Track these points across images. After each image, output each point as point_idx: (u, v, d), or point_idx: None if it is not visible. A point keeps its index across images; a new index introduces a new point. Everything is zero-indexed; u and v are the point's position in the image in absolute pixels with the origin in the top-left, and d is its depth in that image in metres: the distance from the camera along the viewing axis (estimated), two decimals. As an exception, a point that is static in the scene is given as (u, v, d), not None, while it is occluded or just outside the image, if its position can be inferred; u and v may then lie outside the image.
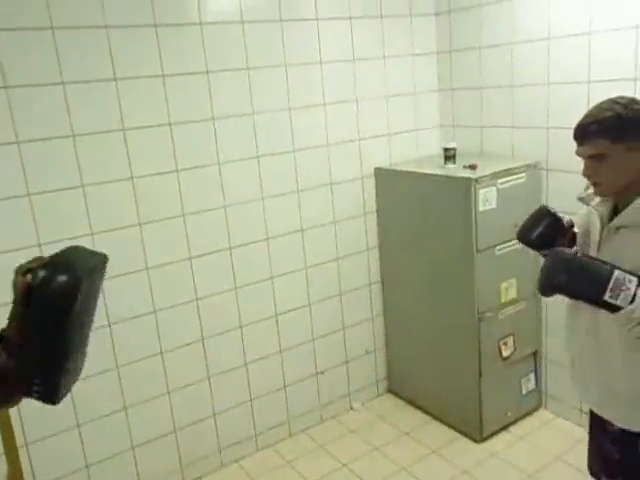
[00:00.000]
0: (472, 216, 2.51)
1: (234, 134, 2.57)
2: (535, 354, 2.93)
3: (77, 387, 2.29)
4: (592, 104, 2.43)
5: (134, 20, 2.25)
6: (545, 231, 1.63)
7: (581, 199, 1.62)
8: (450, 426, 2.92)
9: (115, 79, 2.25)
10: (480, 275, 2.60)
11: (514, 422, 2.89)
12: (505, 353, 2.77)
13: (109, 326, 2.39)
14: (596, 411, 1.67)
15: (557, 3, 2.51)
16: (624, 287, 1.33)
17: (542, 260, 1.52)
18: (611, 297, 1.34)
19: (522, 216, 2.80)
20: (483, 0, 2.82)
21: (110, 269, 2.38)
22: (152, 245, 2.43)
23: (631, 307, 1.33)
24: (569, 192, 2.59)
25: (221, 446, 2.78)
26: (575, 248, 1.60)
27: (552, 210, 1.66)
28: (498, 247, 2.63)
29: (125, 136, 2.31)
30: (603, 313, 1.41)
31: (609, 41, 2.35)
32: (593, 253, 1.53)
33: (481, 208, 2.52)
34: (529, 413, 2.95)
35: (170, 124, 2.40)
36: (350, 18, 2.80)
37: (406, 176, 2.87)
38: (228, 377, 2.75)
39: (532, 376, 2.93)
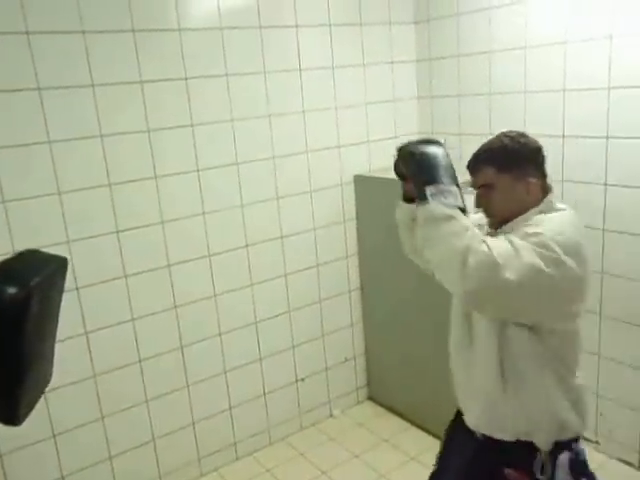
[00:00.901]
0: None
1: (213, 141, 2.56)
2: (513, 360, 2.95)
3: (51, 397, 2.28)
4: (567, 112, 2.51)
5: (111, 25, 2.24)
6: (441, 154, 1.52)
7: (479, 227, 1.59)
8: (430, 433, 2.92)
9: (92, 85, 2.23)
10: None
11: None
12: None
13: (85, 334, 2.36)
14: (466, 420, 1.64)
15: (533, 13, 2.55)
16: (447, 195, 1.33)
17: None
18: (432, 191, 1.33)
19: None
20: (461, 9, 2.86)
21: (88, 276, 2.37)
22: (130, 252, 2.41)
23: (434, 205, 1.31)
24: (545, 200, 2.66)
25: (200, 455, 2.76)
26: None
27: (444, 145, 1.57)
28: (476, 254, 2.65)
29: (102, 142, 2.28)
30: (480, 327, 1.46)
31: (583, 51, 2.39)
32: None
33: (459, 215, 2.54)
34: (508, 419, 2.97)
35: (148, 131, 2.38)
36: (330, 25, 2.81)
37: (385, 183, 2.88)
38: (207, 385, 2.73)
39: (511, 382, 2.95)
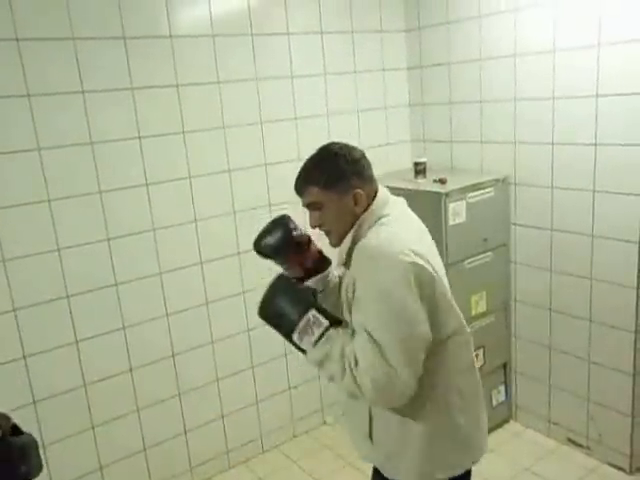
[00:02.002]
0: (442, 230, 2.54)
1: (205, 148, 2.55)
2: (505, 366, 2.96)
3: (40, 407, 2.25)
4: (557, 120, 2.54)
5: (102, 32, 2.23)
6: (274, 242, 1.57)
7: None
8: (423, 439, 2.92)
9: (83, 92, 2.22)
10: (450, 288, 2.62)
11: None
12: (475, 365, 2.79)
13: (76, 343, 2.33)
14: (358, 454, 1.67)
15: (522, 22, 2.57)
16: (310, 330, 1.35)
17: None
18: (298, 339, 1.36)
19: (491, 230, 2.86)
20: (451, 18, 2.88)
21: (78, 285, 2.35)
22: (121, 260, 2.39)
23: (311, 351, 1.35)
24: (536, 206, 2.69)
25: (192, 464, 2.73)
26: (309, 282, 1.57)
27: (289, 222, 1.60)
28: (468, 260, 2.66)
29: (93, 149, 2.27)
30: None
31: (572, 59, 2.41)
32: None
33: (451, 222, 2.56)
34: (499, 425, 2.97)
35: (140, 137, 2.37)
36: (321, 33, 2.82)
37: (378, 190, 2.88)
38: (199, 393, 2.71)
39: (502, 388, 2.97)
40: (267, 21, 2.65)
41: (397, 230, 1.40)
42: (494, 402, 2.93)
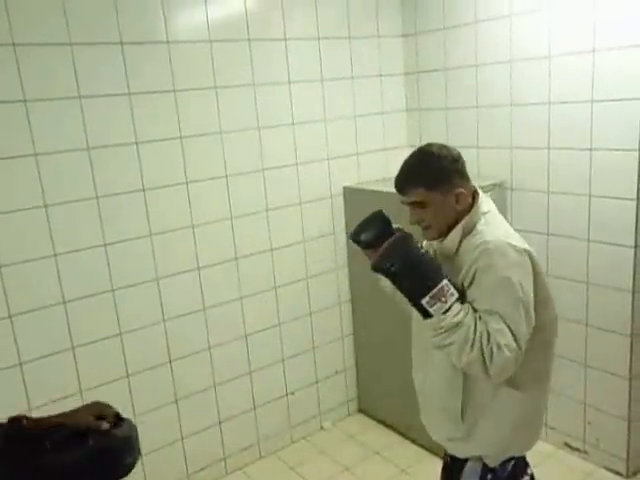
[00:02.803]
0: (439, 235, 2.54)
1: (202, 153, 2.55)
2: (503, 370, 2.97)
3: (38, 413, 2.23)
4: (553, 125, 2.55)
5: (99, 38, 2.23)
6: (377, 234, 1.57)
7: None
8: (420, 445, 2.91)
9: (80, 97, 2.21)
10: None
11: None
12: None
13: (72, 349, 2.32)
14: (432, 436, 1.75)
15: (518, 28, 2.59)
16: (443, 298, 1.39)
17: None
18: (428, 303, 1.39)
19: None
20: (448, 24, 2.90)
21: (73, 291, 2.34)
22: (117, 266, 2.38)
23: (440, 317, 1.39)
24: (532, 210, 2.70)
25: (189, 470, 2.72)
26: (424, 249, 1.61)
27: (386, 216, 1.61)
28: (465, 265, 2.67)
29: (90, 155, 2.26)
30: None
31: (567, 64, 2.43)
32: None
33: (448, 227, 2.56)
34: (497, 429, 2.98)
35: (137, 143, 2.37)
36: (318, 39, 2.83)
37: (374, 195, 2.89)
38: (196, 399, 2.70)
39: (500, 392, 2.97)
40: (264, 27, 2.65)
41: (505, 226, 1.56)
42: (491, 407, 2.93)
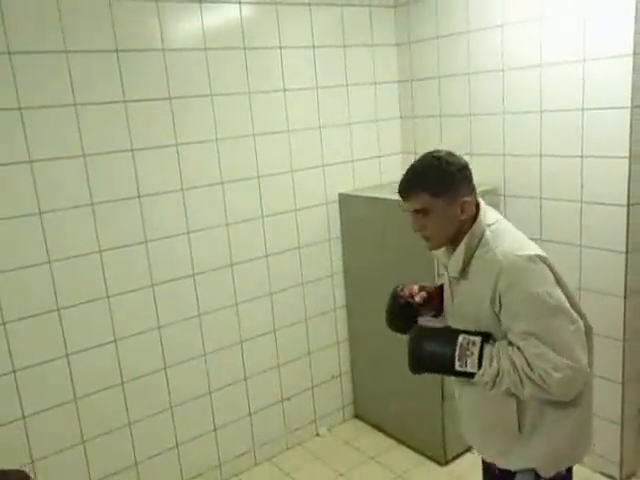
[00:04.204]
0: (434, 241, 2.56)
1: (197, 160, 2.56)
2: (497, 375, 2.98)
3: (29, 422, 2.23)
4: (545, 133, 2.58)
5: (95, 45, 2.24)
6: (399, 316, 1.69)
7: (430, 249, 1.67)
8: (415, 450, 2.92)
9: (75, 104, 2.22)
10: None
11: (478, 444, 2.92)
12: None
13: (67, 356, 2.32)
14: (475, 449, 1.73)
15: (510, 37, 2.62)
16: (469, 352, 1.39)
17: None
18: (460, 366, 1.41)
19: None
20: (441, 32, 2.93)
21: (69, 297, 2.34)
22: (113, 272, 2.38)
23: (480, 372, 1.40)
24: (525, 217, 2.72)
25: (184, 477, 2.71)
26: (441, 316, 1.67)
27: (400, 292, 1.67)
28: (459, 271, 2.68)
29: (85, 162, 2.27)
30: None
31: (558, 73, 2.47)
32: (449, 305, 1.61)
33: (442, 233, 2.58)
34: (492, 434, 2.98)
35: (132, 150, 2.38)
36: (313, 47, 2.86)
37: (369, 202, 2.91)
38: (191, 406, 2.70)
39: (494, 397, 2.98)
40: (259, 35, 2.67)
41: (514, 235, 1.49)
42: (486, 412, 2.94)
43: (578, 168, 2.47)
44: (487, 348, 1.40)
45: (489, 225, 1.48)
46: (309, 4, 2.81)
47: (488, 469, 1.70)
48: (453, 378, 1.64)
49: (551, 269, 1.42)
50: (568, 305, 1.39)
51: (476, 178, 3.10)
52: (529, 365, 1.35)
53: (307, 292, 3.01)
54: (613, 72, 2.27)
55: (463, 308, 1.51)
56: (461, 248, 1.46)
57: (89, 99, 2.24)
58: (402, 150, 3.28)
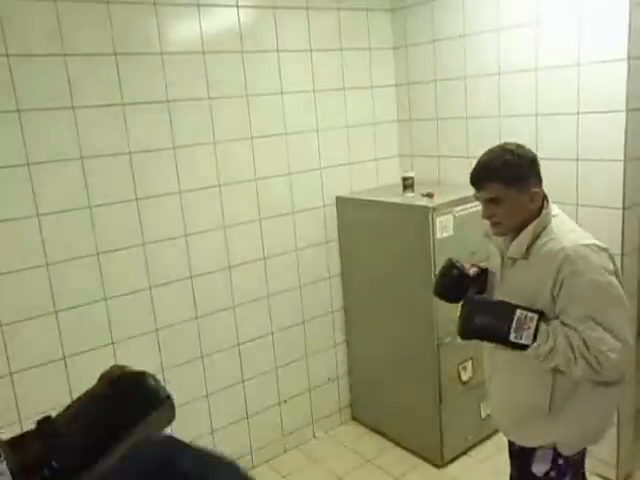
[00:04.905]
0: (430, 243, 2.58)
1: (195, 163, 2.57)
2: (494, 378, 2.99)
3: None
4: (540, 136, 2.60)
5: (93, 48, 2.25)
6: (453, 285, 1.76)
7: (485, 235, 1.78)
8: (412, 452, 2.93)
9: (73, 107, 2.23)
10: (439, 300, 2.64)
11: (474, 446, 2.92)
12: (464, 377, 2.81)
13: (64, 359, 2.32)
14: (500, 430, 1.83)
15: (505, 41, 2.64)
16: (526, 326, 1.47)
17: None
18: (516, 337, 1.48)
19: (479, 243, 2.89)
20: (437, 36, 2.95)
21: (65, 300, 2.33)
22: (110, 274, 2.39)
23: (535, 345, 1.47)
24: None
25: (181, 481, 2.70)
26: (485, 294, 1.74)
27: (456, 264, 1.77)
28: (456, 273, 2.70)
29: (83, 164, 2.28)
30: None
31: (553, 77, 2.48)
32: (497, 286, 1.68)
33: (439, 235, 2.59)
34: (489, 437, 2.99)
35: (130, 153, 2.38)
36: (311, 51, 2.87)
37: (366, 204, 2.92)
38: (188, 409, 2.69)
39: (491, 399, 2.99)
40: (257, 38, 2.69)
41: (577, 227, 1.59)
42: (483, 414, 2.94)
43: (574, 171, 2.49)
44: (543, 324, 1.48)
45: (554, 216, 1.59)
46: (307, 8, 2.83)
47: (511, 448, 1.81)
48: (486, 359, 1.76)
49: (612, 260, 1.52)
50: (622, 291, 1.49)
51: (473, 181, 3.09)
52: (586, 346, 1.43)
53: (305, 295, 3.02)
54: (608, 76, 2.28)
55: (517, 288, 1.58)
56: (527, 232, 1.56)
57: (87, 102, 2.25)
58: (399, 153, 3.29)
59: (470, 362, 2.82)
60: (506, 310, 1.49)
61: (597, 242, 1.52)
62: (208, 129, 2.58)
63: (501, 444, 2.95)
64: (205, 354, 2.71)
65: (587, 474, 2.63)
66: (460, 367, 2.79)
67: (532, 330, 1.46)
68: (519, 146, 1.59)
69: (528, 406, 1.61)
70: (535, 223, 1.55)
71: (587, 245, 1.49)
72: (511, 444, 1.82)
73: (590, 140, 2.41)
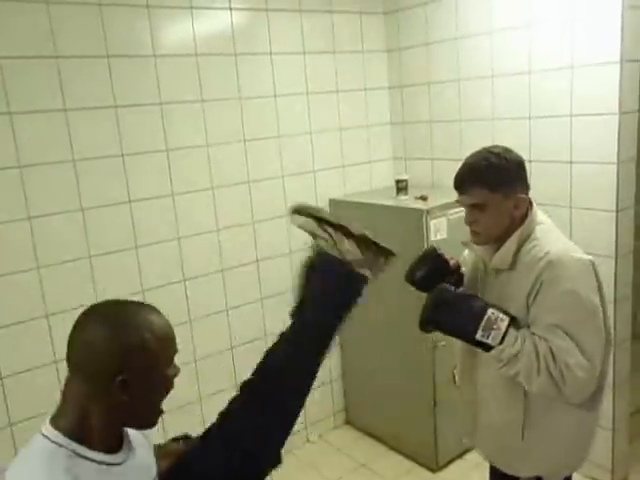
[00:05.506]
0: (424, 246, 2.56)
1: (188, 165, 2.56)
2: (488, 381, 2.98)
3: (20, 429, 2.20)
4: (534, 139, 2.60)
5: (85, 50, 2.24)
6: (429, 272, 1.63)
7: (464, 244, 1.67)
8: (407, 456, 2.91)
9: (65, 110, 2.21)
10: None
11: (469, 449, 2.91)
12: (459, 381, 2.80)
13: (55, 363, 2.29)
14: (480, 454, 1.72)
15: (498, 44, 2.65)
16: (495, 326, 1.39)
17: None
18: (482, 336, 1.40)
19: (472, 246, 2.89)
20: (430, 39, 2.95)
21: (59, 304, 2.30)
22: (104, 276, 2.37)
23: (500, 347, 1.39)
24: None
25: (174, 486, 2.68)
26: (461, 288, 1.63)
27: (439, 251, 1.66)
28: (450, 276, 2.69)
29: (75, 167, 2.26)
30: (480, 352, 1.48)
31: (546, 80, 2.49)
32: (479, 295, 1.58)
33: (433, 238, 2.58)
34: (484, 440, 2.98)
35: (123, 155, 2.37)
36: (304, 53, 2.87)
37: (360, 207, 2.91)
38: (181, 413, 2.67)
39: (486, 403, 2.98)
40: (250, 41, 2.68)
41: (563, 237, 1.51)
42: (478, 418, 2.93)
43: (567, 174, 2.49)
44: (512, 328, 1.40)
45: (538, 224, 1.50)
46: (300, 10, 2.82)
47: (494, 471, 1.71)
48: (466, 383, 1.68)
49: (596, 276, 1.44)
50: (602, 320, 1.42)
51: (466, 184, 3.09)
52: (553, 357, 1.36)
53: (298, 298, 3.00)
54: (601, 79, 2.29)
55: (501, 299, 1.49)
56: (511, 242, 1.47)
57: (79, 104, 2.24)
58: (392, 156, 3.29)
59: (464, 365, 2.81)
60: (477, 307, 1.41)
61: (583, 255, 1.45)
62: (201, 132, 2.57)
63: (496, 448, 2.96)
64: (198, 358, 2.69)
65: (581, 478, 2.64)
66: (455, 371, 2.77)
67: (501, 332, 1.38)
68: (506, 149, 1.51)
69: (504, 422, 1.54)
70: (519, 232, 1.47)
71: (573, 255, 1.42)
72: (493, 468, 1.71)
73: (583, 143, 2.41)
